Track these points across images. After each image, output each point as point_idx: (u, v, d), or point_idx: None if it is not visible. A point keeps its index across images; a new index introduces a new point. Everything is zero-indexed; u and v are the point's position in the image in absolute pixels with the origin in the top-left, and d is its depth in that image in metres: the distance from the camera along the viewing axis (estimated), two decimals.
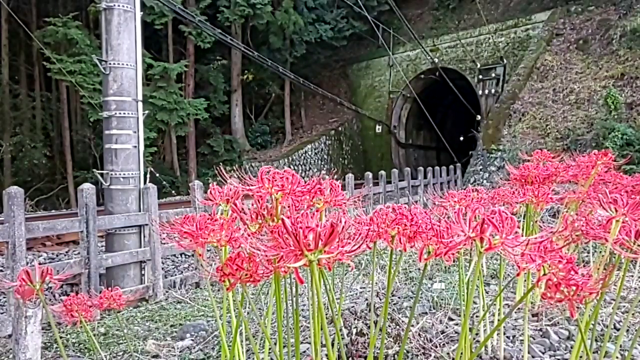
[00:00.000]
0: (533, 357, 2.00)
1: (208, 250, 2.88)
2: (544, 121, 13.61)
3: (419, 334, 2.21)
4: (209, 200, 1.39)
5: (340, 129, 22.16)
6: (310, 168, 20.18)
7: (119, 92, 4.92)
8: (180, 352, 2.77)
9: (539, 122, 13.66)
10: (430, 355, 2.04)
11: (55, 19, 14.92)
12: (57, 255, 6.77)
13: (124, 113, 4.94)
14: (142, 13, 5.24)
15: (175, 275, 5.68)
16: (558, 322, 2.32)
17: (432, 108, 19.59)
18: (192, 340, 2.96)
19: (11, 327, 3.25)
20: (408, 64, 21.28)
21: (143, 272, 5.02)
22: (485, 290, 2.60)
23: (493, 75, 18.17)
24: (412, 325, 2.32)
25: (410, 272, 3.91)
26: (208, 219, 1.21)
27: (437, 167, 13.19)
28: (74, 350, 3.19)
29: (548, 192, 1.82)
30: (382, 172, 10.02)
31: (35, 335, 2.04)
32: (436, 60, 18.87)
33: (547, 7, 18.16)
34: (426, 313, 2.60)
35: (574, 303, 0.96)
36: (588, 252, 3.37)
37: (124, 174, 4.94)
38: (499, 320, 2.06)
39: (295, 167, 19.30)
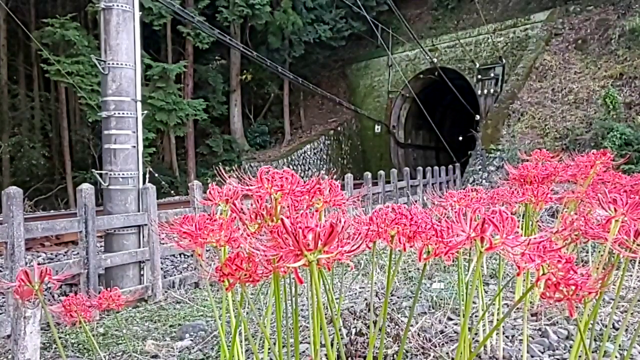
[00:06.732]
0: (532, 356, 2.00)
1: (207, 251, 2.88)
2: (542, 121, 13.62)
3: (418, 334, 2.21)
4: (208, 201, 1.39)
5: (339, 129, 22.15)
6: (309, 168, 20.17)
7: (118, 92, 4.91)
8: (179, 352, 2.77)
9: (538, 121, 13.67)
10: (430, 354, 2.04)
11: (53, 20, 14.85)
12: (56, 256, 6.76)
13: (123, 113, 4.93)
14: (140, 13, 5.23)
15: (175, 275, 5.68)
16: (557, 322, 2.32)
17: (431, 108, 19.59)
18: (191, 340, 2.96)
19: (10, 327, 3.24)
20: (407, 63, 21.28)
21: (142, 273, 5.02)
22: (484, 290, 2.60)
23: (492, 75, 18.17)
24: (412, 325, 2.32)
25: (409, 272, 3.92)
26: (207, 219, 1.21)
27: (436, 167, 13.21)
28: (73, 351, 3.18)
29: (547, 191, 1.82)
30: (381, 172, 10.02)
31: (34, 335, 2.03)
32: (435, 60, 18.87)
33: (546, 7, 18.17)
34: (425, 313, 2.60)
35: (573, 302, 0.96)
36: (587, 252, 3.38)
37: (123, 174, 4.93)
38: (498, 319, 2.06)
39: (295, 167, 19.29)
